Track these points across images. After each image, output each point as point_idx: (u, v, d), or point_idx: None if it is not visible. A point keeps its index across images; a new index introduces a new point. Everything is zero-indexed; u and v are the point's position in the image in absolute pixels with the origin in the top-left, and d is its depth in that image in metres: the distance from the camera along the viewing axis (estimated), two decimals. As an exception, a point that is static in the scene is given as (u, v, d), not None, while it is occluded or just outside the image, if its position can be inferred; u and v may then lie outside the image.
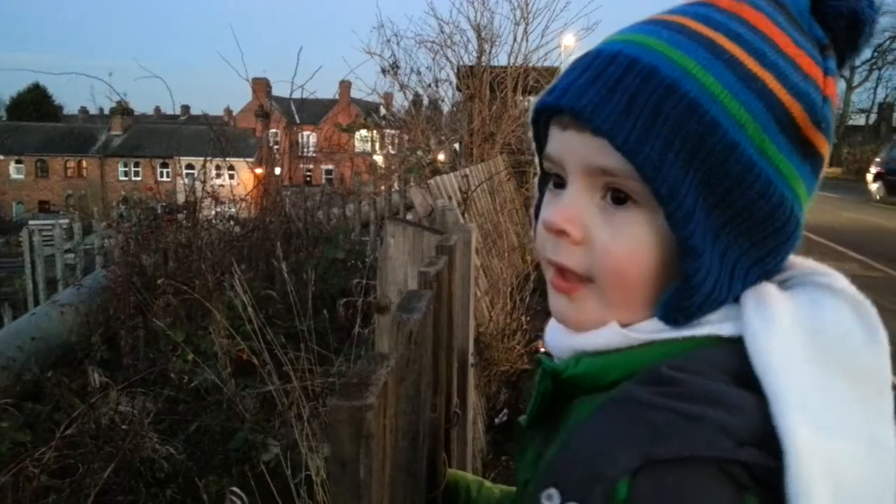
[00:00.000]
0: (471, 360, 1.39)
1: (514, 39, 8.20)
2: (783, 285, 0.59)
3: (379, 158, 9.06)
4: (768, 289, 0.57)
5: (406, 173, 6.19)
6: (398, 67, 7.29)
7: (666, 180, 0.53)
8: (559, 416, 0.62)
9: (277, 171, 10.04)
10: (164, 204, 7.82)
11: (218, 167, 8.31)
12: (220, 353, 4.16)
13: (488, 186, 6.58)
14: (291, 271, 5.96)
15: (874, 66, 45.23)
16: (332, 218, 8.37)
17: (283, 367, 3.21)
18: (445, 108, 8.59)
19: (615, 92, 0.54)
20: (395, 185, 7.27)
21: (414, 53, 7.85)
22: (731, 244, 0.56)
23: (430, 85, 7.60)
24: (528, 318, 5.28)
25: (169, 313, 4.98)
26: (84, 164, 46.80)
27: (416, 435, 0.65)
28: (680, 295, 0.56)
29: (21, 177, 45.96)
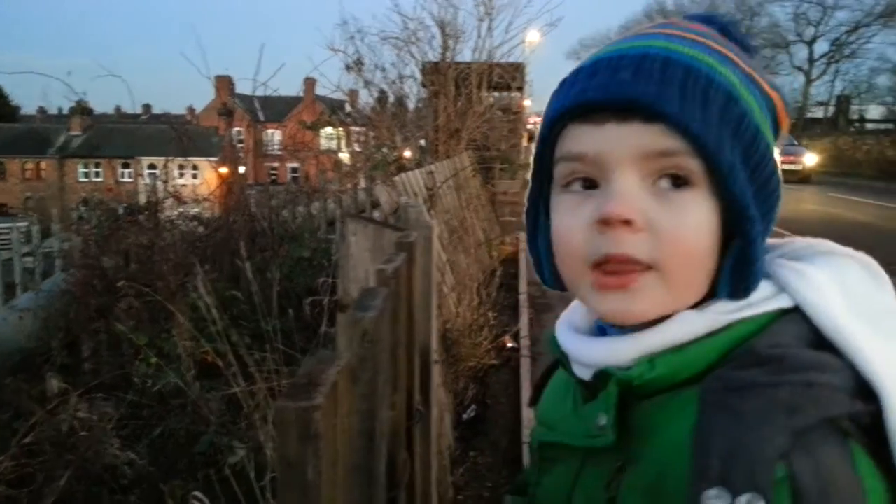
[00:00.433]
0: (434, 356, 1.38)
1: (479, 35, 8.22)
2: (792, 258, 0.66)
3: (345, 156, 9.00)
4: (790, 264, 0.64)
5: (372, 171, 6.16)
6: (362, 64, 7.24)
7: (726, 154, 0.59)
8: (625, 423, 0.62)
9: (242, 169, 9.93)
10: (125, 205, 7.68)
11: (181, 167, 8.19)
12: (183, 355, 4.10)
13: (454, 183, 6.58)
14: (256, 271, 5.89)
15: (832, 60, 46.16)
16: (297, 216, 8.29)
17: (249, 369, 3.17)
18: (411, 105, 8.57)
19: (666, 82, 0.58)
20: (362, 183, 7.23)
21: (378, 50, 7.81)
22: (761, 220, 0.62)
23: (394, 81, 7.57)
24: (495, 314, 5.30)
25: (131, 316, 4.89)
26: (42, 165, 45.76)
27: (372, 434, 0.64)
28: (742, 268, 0.60)
29: (-23, 180, 44.82)
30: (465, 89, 7.97)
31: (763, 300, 0.62)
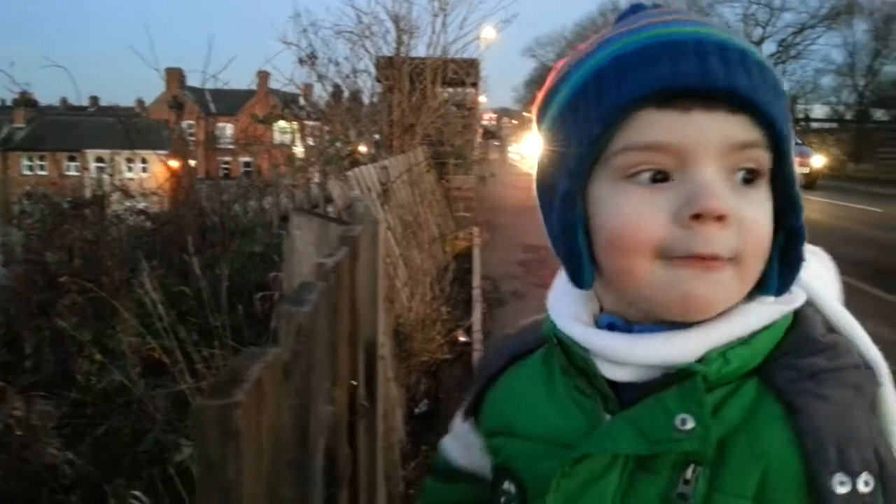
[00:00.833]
0: (380, 351, 1.37)
1: (433, 31, 8.20)
2: None
3: (299, 150, 8.90)
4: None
5: (325, 165, 6.10)
6: (316, 58, 7.16)
7: (790, 142, 0.60)
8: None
9: (193, 163, 9.72)
10: (69, 199, 7.47)
11: (129, 160, 7.99)
12: (128, 352, 4.00)
13: (409, 178, 6.56)
14: (206, 266, 5.78)
15: (779, 61, 47.38)
16: (249, 211, 8.16)
17: (197, 365, 3.11)
18: (366, 100, 8.51)
19: (749, 72, 0.57)
20: (315, 178, 7.16)
21: (332, 44, 7.73)
22: None
23: (348, 76, 7.50)
24: (448, 309, 5.31)
25: (75, 312, 4.75)
26: (-16, 158, 44.18)
27: (306, 430, 0.63)
28: (791, 259, 0.61)
29: (-86, 173, 43.02)
30: (420, 84, 7.95)
31: (797, 292, 0.64)
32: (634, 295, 0.62)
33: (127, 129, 6.62)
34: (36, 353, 4.71)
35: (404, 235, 5.46)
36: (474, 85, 10.02)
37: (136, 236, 6.41)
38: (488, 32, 9.70)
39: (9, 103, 42.13)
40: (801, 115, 45.41)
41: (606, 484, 0.61)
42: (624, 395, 0.63)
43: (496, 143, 43.83)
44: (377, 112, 7.78)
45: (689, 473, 0.58)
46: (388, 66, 7.79)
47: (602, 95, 0.58)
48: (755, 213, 0.58)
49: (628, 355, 0.62)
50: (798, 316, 0.63)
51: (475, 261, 7.80)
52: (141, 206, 8.13)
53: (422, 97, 7.86)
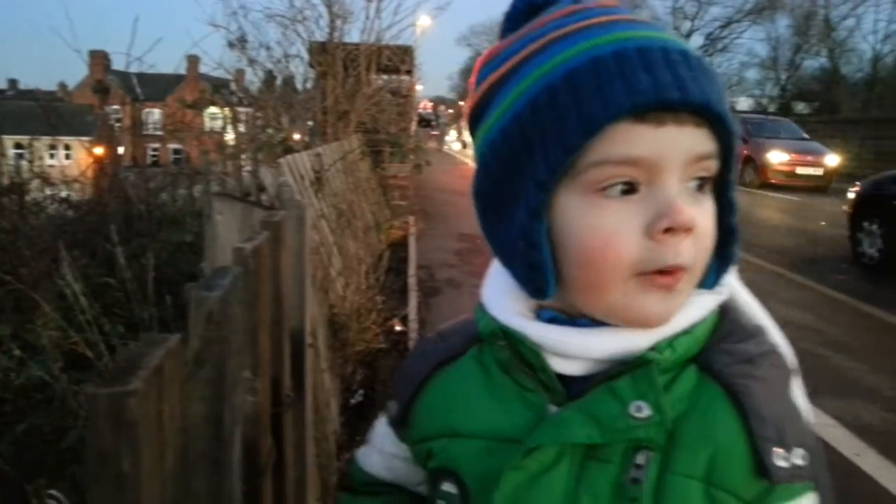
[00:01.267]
0: (310, 340, 1.35)
1: (367, 16, 8.11)
2: None
3: (230, 137, 8.69)
4: None
5: (256, 152, 5.97)
6: (246, 42, 6.99)
7: (736, 153, 0.62)
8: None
9: (120, 150, 9.37)
10: (-16, 186, 7.11)
11: (52, 146, 7.65)
12: (48, 346, 3.84)
13: (343, 166, 6.48)
14: (133, 256, 5.59)
15: (706, 54, 48.70)
16: (177, 199, 7.94)
17: (121, 358, 3.00)
18: (299, 86, 8.37)
19: (711, 81, 0.58)
20: (248, 165, 7.01)
21: (263, 28, 7.55)
22: None
23: (280, 61, 7.35)
24: (384, 298, 5.28)
25: (-9, 306, 4.54)
26: None
27: (220, 421, 0.61)
28: (730, 252, 0.65)
29: None
30: (354, 71, 7.86)
31: (726, 294, 0.68)
32: (600, 308, 0.62)
33: (48, 114, 6.32)
34: (-52, 349, 4.48)
35: (339, 224, 5.40)
36: (409, 72, 9.98)
37: (57, 225, 6.16)
38: (423, 20, 9.68)
39: (-82, 86, 39.80)
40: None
41: (556, 475, 0.62)
42: (569, 388, 0.64)
43: (433, 132, 43.80)
44: (311, 99, 7.66)
45: (640, 459, 0.60)
46: (321, 52, 7.66)
47: (581, 103, 0.56)
48: (705, 219, 0.61)
49: (584, 349, 0.63)
50: (723, 307, 0.68)
51: (411, 249, 7.79)
52: (63, 194, 7.80)
53: (356, 84, 7.77)
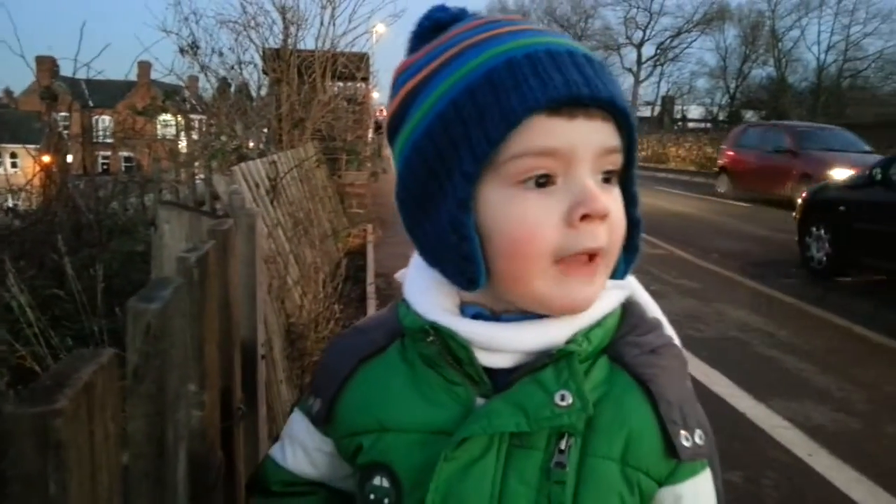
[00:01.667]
0: (263, 351, 1.32)
1: (321, 23, 8.06)
2: None
3: (183, 144, 8.54)
4: None
5: (209, 160, 5.87)
6: (198, 48, 6.87)
7: (637, 149, 0.68)
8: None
9: (70, 158, 9.14)
10: (-76, 196, 6.88)
11: (-4, 154, 7.42)
12: (-9, 361, 3.71)
13: (299, 174, 6.42)
14: (82, 266, 5.44)
15: (657, 63, 49.73)
16: (128, 208, 7.76)
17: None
18: (253, 93, 8.27)
19: (613, 81, 0.64)
20: (201, 173, 6.89)
21: (215, 34, 7.46)
22: None
23: (233, 67, 7.25)
24: (342, 307, 5.23)
25: (-68, 319, 4.36)
26: None
27: (162, 438, 0.58)
28: (636, 243, 0.70)
29: None
30: (309, 78, 7.79)
31: (629, 288, 0.74)
32: (525, 296, 0.66)
33: (-11, 121, 6.15)
34: None
35: (295, 232, 5.34)
36: (365, 79, 9.94)
37: (2, 236, 5.98)
38: (379, 27, 9.66)
39: None
40: (678, 116, 47.80)
41: (486, 464, 0.66)
42: (495, 381, 0.68)
43: (390, 140, 43.74)
44: (265, 106, 7.57)
45: (563, 444, 0.65)
46: (275, 59, 7.59)
47: (500, 99, 0.60)
48: (617, 208, 0.66)
49: (510, 343, 0.67)
50: (625, 302, 0.73)
51: (369, 258, 7.74)
52: (9, 203, 7.58)
53: (311, 91, 7.71)
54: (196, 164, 6.67)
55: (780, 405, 4.16)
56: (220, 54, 7.13)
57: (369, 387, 0.74)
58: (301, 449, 0.81)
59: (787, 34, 42.55)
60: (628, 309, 0.74)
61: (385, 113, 0.72)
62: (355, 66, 8.53)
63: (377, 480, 0.70)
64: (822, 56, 40.75)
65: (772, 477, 3.30)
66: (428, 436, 0.68)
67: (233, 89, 7.74)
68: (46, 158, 7.82)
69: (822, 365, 4.92)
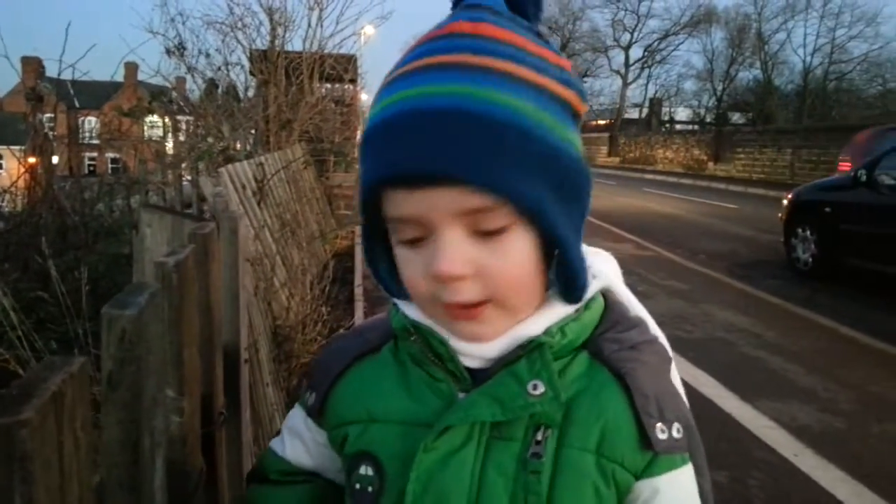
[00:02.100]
0: (245, 355, 1.31)
1: (309, 24, 8.03)
2: None
3: (169, 145, 8.50)
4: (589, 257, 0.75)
5: (196, 161, 5.84)
6: (184, 49, 6.83)
7: (530, 198, 0.61)
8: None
9: (55, 160, 9.07)
10: None
11: (-19, 157, 7.36)
12: (-27, 365, 3.67)
13: (286, 175, 6.39)
14: (67, 269, 5.40)
15: (645, 65, 49.96)
16: (114, 210, 7.71)
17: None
18: (241, 94, 8.23)
19: (458, 142, 0.59)
20: (187, 175, 6.84)
21: (202, 35, 7.42)
22: (576, 219, 0.67)
23: (220, 68, 7.21)
24: (329, 309, 5.21)
25: (-86, 322, 4.31)
26: None
27: (137, 446, 0.57)
28: (569, 282, 0.68)
29: None
30: (297, 80, 7.77)
31: (604, 282, 0.75)
32: (436, 321, 0.71)
33: (-28, 121, 6.09)
34: None
35: (282, 234, 5.32)
36: (353, 81, 9.93)
37: (-15, 238, 5.93)
38: (367, 29, 9.64)
39: None
40: (666, 118, 48.03)
41: (466, 454, 0.67)
42: (475, 377, 0.70)
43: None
44: (253, 107, 7.54)
45: (540, 435, 0.66)
46: (262, 60, 7.55)
47: (362, 169, 0.66)
48: (499, 261, 0.64)
49: (476, 349, 0.70)
50: (608, 301, 0.75)
51: (357, 259, 7.72)
52: (-7, 206, 7.51)
53: (299, 92, 7.68)
54: (183, 165, 6.63)
55: (767, 406, 4.18)
56: (207, 55, 7.10)
57: (361, 382, 0.77)
58: (299, 440, 0.84)
59: (773, 37, 42.83)
60: (610, 307, 0.75)
61: None
62: (343, 68, 8.51)
63: (363, 469, 0.73)
64: (808, 59, 41.04)
65: (758, 477, 3.31)
66: (412, 427, 0.71)
67: (220, 91, 7.70)
68: (32, 160, 7.76)
69: (808, 365, 4.95)
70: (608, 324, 0.73)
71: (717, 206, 15.25)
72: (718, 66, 46.12)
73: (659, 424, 0.66)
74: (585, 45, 49.72)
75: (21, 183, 7.41)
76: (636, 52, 48.81)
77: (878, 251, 6.82)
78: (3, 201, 8.04)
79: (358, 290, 6.57)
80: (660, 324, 0.81)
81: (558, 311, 0.70)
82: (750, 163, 23.74)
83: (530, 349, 0.68)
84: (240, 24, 7.34)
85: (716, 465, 3.26)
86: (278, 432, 0.87)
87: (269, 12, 7.53)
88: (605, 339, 0.71)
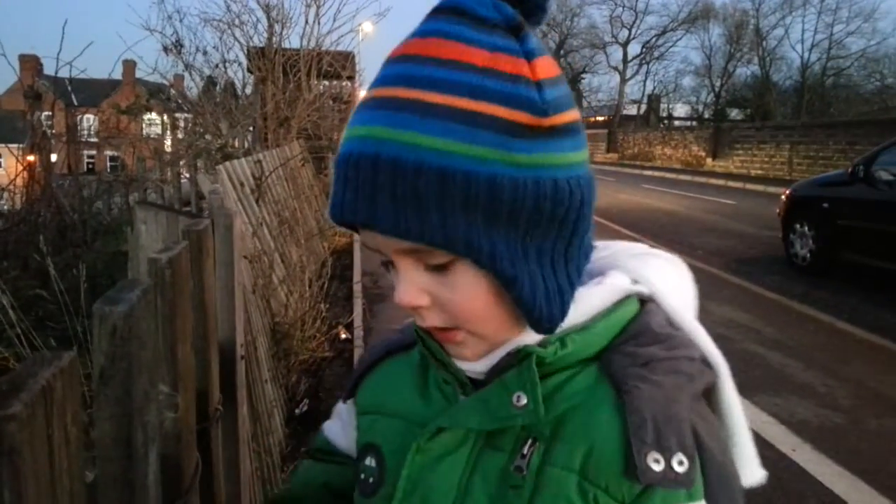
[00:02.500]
0: (241, 352, 1.31)
1: (306, 21, 8.02)
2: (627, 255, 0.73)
3: (168, 143, 8.49)
4: (634, 261, 0.72)
5: (194, 159, 5.83)
6: (182, 46, 6.82)
7: (458, 239, 0.58)
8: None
9: (54, 157, 9.06)
10: None
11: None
12: (-28, 363, 3.68)
13: (284, 172, 6.39)
14: (66, 266, 5.40)
15: (643, 62, 49.89)
16: (113, 208, 7.72)
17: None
18: (238, 91, 8.22)
19: (379, 191, 0.57)
20: (185, 172, 6.85)
21: (199, 32, 7.42)
22: (540, 250, 0.61)
23: (217, 66, 7.20)
24: (328, 306, 5.22)
25: (-87, 320, 4.32)
26: None
27: (130, 441, 0.57)
28: (526, 316, 0.62)
29: None
30: (294, 77, 7.76)
31: (630, 287, 0.69)
32: None
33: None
34: None
35: (281, 231, 5.32)
36: (351, 78, 9.91)
37: (-16, 236, 5.94)
38: (366, 26, 9.63)
39: None
40: (664, 114, 48.01)
41: (456, 459, 0.67)
42: (476, 382, 0.69)
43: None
44: (250, 105, 7.53)
45: (526, 449, 0.64)
46: (260, 57, 7.54)
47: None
48: (451, 294, 0.62)
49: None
50: (641, 310, 0.68)
51: (356, 256, 7.72)
52: (-8, 203, 7.51)
53: (297, 90, 7.67)
54: (181, 163, 6.63)
55: (765, 401, 4.19)
56: (205, 53, 7.10)
57: (385, 377, 0.80)
58: (339, 422, 0.88)
59: (771, 33, 42.79)
60: (639, 317, 0.68)
61: None
62: (341, 65, 8.50)
63: (367, 460, 0.75)
64: (806, 55, 41.01)
65: (756, 473, 3.32)
66: (412, 425, 0.71)
67: (218, 88, 7.69)
68: (30, 158, 7.76)
69: (806, 361, 4.96)
70: (627, 335, 0.67)
71: (715, 202, 15.25)
72: (716, 63, 46.11)
73: (653, 453, 0.58)
74: (583, 41, 49.69)
75: (20, 181, 7.41)
76: (634, 49, 48.77)
77: (876, 246, 6.83)
78: (1, 199, 8.04)
79: (356, 287, 6.57)
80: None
81: (590, 300, 0.66)
82: (748, 159, 23.73)
83: (521, 358, 0.64)
84: (237, 22, 7.33)
85: (714, 461, 3.27)
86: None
87: (267, 9, 7.53)
88: (619, 351, 0.65)
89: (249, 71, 7.82)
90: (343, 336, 5.32)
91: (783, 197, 8.50)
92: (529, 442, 0.64)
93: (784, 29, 42.56)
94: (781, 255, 8.35)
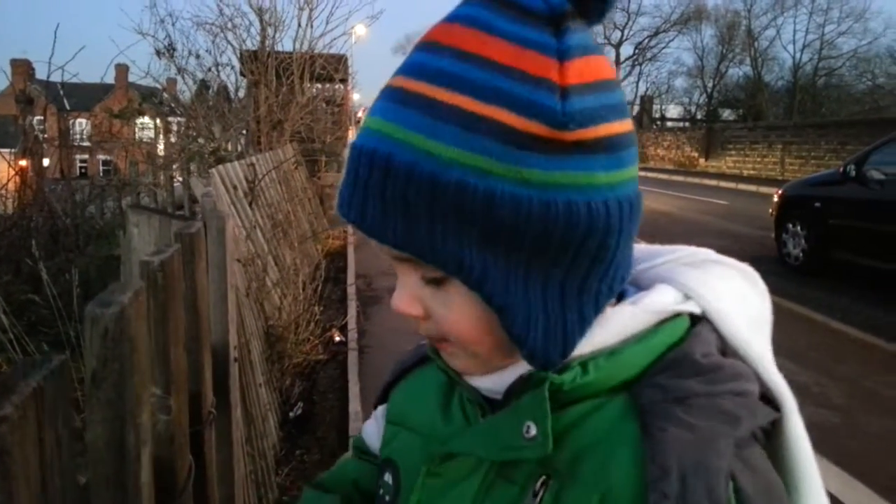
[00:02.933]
0: (234, 354, 1.31)
1: (299, 25, 8.02)
2: (685, 264, 0.65)
3: (161, 147, 8.47)
4: (690, 272, 0.63)
5: (187, 162, 5.83)
6: (174, 50, 6.81)
7: (447, 255, 0.52)
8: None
9: (46, 162, 9.03)
10: None
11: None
12: (-36, 368, 3.66)
13: (278, 175, 6.38)
14: (59, 271, 5.39)
15: (636, 63, 50.02)
16: (106, 212, 7.70)
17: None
18: (231, 95, 8.21)
19: (370, 194, 0.52)
20: (178, 176, 6.82)
21: (192, 35, 7.41)
22: (547, 279, 0.54)
23: (210, 69, 7.19)
24: (321, 308, 5.21)
25: None
26: None
27: (122, 443, 0.57)
28: (519, 349, 0.55)
29: None
30: (287, 80, 7.76)
31: (676, 304, 0.59)
32: None
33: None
34: None
35: (274, 234, 5.31)
36: (344, 81, 9.91)
37: (-25, 241, 5.92)
38: (358, 29, 9.64)
39: None
40: (657, 115, 48.16)
41: (468, 486, 0.61)
42: (494, 403, 0.63)
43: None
44: (243, 108, 7.52)
45: (538, 485, 0.56)
46: (252, 61, 7.54)
47: None
48: (443, 311, 0.57)
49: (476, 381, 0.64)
50: (690, 332, 0.59)
51: (349, 259, 7.72)
52: (-17, 208, 7.48)
53: (289, 93, 7.67)
54: (174, 167, 6.62)
55: (758, 400, 4.20)
56: (197, 56, 7.08)
57: (416, 384, 0.76)
58: (375, 423, 0.86)
59: (762, 33, 42.93)
60: (682, 342, 0.58)
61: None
62: (334, 68, 8.50)
63: (386, 476, 0.72)
64: (798, 55, 41.16)
65: (750, 472, 3.33)
66: (430, 443, 0.68)
67: (211, 91, 7.69)
68: (22, 162, 7.73)
69: (800, 360, 4.97)
70: (664, 363, 0.57)
71: (708, 202, 15.29)
72: (709, 63, 46.23)
73: None
74: (576, 43, 49.75)
75: (12, 186, 7.39)
76: (627, 50, 48.86)
77: (868, 246, 6.86)
78: (-8, 205, 8.02)
79: (350, 290, 6.57)
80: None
81: (589, 340, 0.57)
82: (740, 159, 23.80)
83: (534, 383, 0.57)
84: (230, 25, 7.33)
85: (708, 460, 3.27)
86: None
87: (259, 13, 7.52)
88: (652, 382, 0.56)
89: (242, 74, 7.82)
90: (337, 339, 5.31)
91: (775, 197, 8.52)
92: (542, 479, 0.56)
93: (776, 29, 42.71)
94: (774, 254, 8.37)
